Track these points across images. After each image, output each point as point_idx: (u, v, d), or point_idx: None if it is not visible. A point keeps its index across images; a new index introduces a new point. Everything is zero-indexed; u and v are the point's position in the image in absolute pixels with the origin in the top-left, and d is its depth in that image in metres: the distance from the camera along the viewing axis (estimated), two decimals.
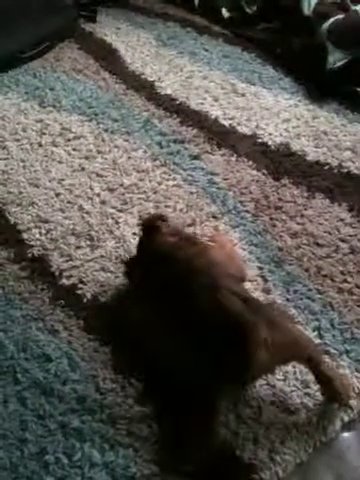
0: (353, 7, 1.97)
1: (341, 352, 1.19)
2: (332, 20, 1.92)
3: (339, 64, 1.87)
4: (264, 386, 1.12)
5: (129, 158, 1.71)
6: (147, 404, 1.11)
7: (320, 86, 1.91)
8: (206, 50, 2.19)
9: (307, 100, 1.90)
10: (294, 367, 1.14)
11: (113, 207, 1.55)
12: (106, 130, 1.83)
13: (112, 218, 1.52)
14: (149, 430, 1.08)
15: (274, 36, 2.19)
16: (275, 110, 1.86)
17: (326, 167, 1.64)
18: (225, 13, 2.36)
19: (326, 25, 1.92)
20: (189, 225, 1.48)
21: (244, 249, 1.42)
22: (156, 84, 2.03)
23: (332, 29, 1.90)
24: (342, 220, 1.48)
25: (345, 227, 1.46)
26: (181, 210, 1.53)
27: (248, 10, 2.31)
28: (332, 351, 1.19)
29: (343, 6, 1.99)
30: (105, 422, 1.09)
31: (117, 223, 1.51)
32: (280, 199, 1.55)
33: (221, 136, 1.77)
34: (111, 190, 1.61)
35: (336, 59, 1.88)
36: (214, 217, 1.51)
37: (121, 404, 1.11)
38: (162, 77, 2.06)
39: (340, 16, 1.93)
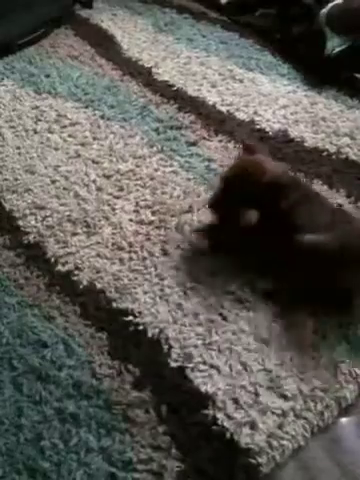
0: None
1: None
2: (331, 5, 1.90)
3: (338, 50, 1.86)
4: (261, 371, 1.12)
5: (125, 144, 1.70)
6: (144, 389, 1.11)
7: (319, 72, 1.89)
8: (203, 36, 2.17)
9: (305, 86, 1.89)
10: (291, 352, 1.14)
11: (109, 194, 1.54)
12: (102, 117, 1.81)
13: (108, 205, 1.51)
14: (146, 415, 1.07)
15: (272, 22, 2.17)
16: (273, 96, 1.85)
17: (324, 153, 1.62)
18: None
19: (325, 10, 1.90)
20: (186, 212, 1.47)
21: None
22: (153, 70, 2.01)
23: (331, 14, 1.88)
24: (340, 206, 1.46)
25: None
26: (178, 197, 1.52)
27: None
28: None
29: None
30: (101, 407, 1.09)
31: (113, 210, 1.49)
32: None
33: (218, 122, 1.75)
34: (107, 177, 1.59)
35: (335, 45, 1.86)
36: None
37: (117, 389, 1.11)
38: (159, 63, 2.04)
39: (339, 1, 1.91)
